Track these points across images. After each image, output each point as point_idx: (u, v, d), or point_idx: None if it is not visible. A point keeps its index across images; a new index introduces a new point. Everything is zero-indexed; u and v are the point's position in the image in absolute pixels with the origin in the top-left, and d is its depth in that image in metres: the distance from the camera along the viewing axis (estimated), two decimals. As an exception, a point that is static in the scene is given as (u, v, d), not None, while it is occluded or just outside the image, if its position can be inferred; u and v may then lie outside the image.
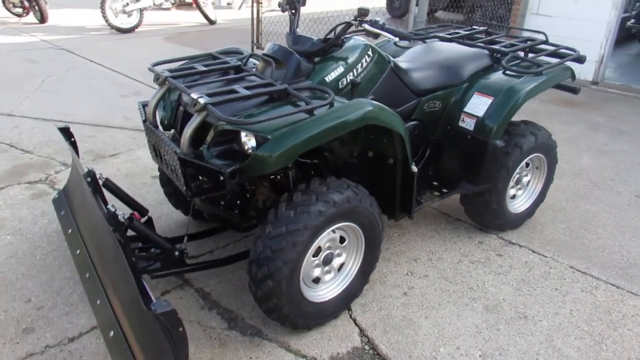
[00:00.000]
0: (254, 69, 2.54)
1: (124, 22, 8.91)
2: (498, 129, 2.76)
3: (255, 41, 7.15)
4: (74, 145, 2.73)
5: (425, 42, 3.35)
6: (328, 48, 2.51)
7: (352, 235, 2.39)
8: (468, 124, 2.86)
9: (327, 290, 2.40)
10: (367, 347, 2.31)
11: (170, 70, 2.46)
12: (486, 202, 2.99)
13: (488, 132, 2.77)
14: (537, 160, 3.15)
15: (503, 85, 2.84)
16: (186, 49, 7.81)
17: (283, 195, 2.23)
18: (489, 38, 3.37)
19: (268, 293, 2.15)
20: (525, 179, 3.19)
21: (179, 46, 8.12)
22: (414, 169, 2.44)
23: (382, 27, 2.42)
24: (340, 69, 2.53)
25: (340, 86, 2.55)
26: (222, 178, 2.02)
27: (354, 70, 2.58)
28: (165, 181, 3.05)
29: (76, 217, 2.63)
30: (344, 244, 2.40)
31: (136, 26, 9.03)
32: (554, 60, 3.04)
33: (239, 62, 2.59)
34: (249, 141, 2.11)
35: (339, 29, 2.60)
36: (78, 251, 2.43)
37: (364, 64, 2.63)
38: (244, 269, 2.68)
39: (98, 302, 2.16)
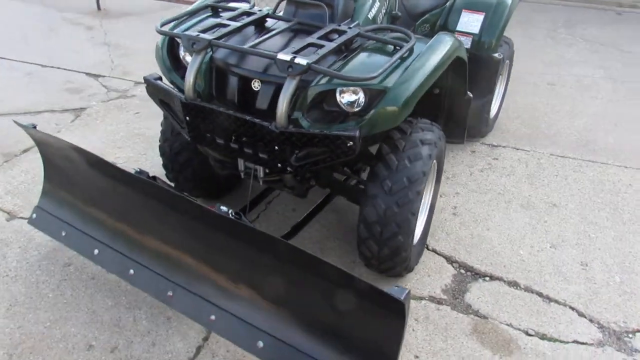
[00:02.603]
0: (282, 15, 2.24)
1: None
2: (496, 43, 2.94)
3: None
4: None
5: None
6: (361, -19, 2.32)
7: (431, 170, 2.40)
8: (464, 42, 2.97)
9: (419, 228, 2.42)
10: (463, 271, 2.44)
11: (202, 31, 2.03)
12: (480, 113, 3.22)
13: (487, 47, 2.93)
14: (505, 66, 3.45)
15: (486, 0, 2.98)
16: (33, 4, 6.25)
17: (382, 146, 2.10)
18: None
19: (396, 249, 2.09)
20: (497, 85, 3.48)
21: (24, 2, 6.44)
22: (470, 94, 2.50)
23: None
24: (377, 3, 2.38)
25: (379, 21, 2.41)
26: (350, 143, 1.82)
27: (386, 2, 2.44)
28: (177, 163, 2.58)
29: (115, 228, 2.12)
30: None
31: None
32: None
33: (267, 11, 2.25)
34: (343, 99, 1.92)
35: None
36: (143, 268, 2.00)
37: (386, -5, 2.50)
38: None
39: (212, 317, 1.86)
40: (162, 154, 2.59)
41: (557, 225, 2.72)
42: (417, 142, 2.08)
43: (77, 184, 2.28)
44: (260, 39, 2.05)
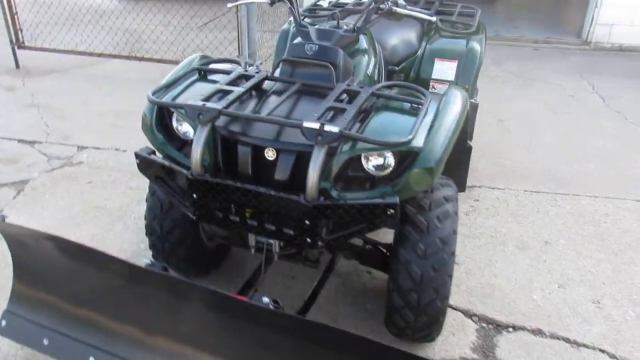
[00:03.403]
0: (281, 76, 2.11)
1: None
2: (472, 88, 2.98)
3: (15, 39, 5.50)
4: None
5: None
6: (357, 37, 2.25)
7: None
8: (441, 90, 2.99)
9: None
10: (485, 324, 2.36)
11: (205, 100, 1.84)
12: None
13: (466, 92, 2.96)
14: (473, 108, 3.52)
15: (458, 47, 3.02)
16: None
17: (405, 207, 2.00)
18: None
19: (434, 316, 1.97)
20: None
21: None
22: (470, 143, 2.48)
23: (407, 8, 2.29)
24: (372, 59, 2.33)
25: (375, 77, 2.35)
26: (391, 212, 1.70)
27: (377, 57, 2.39)
28: (169, 242, 2.30)
29: (116, 330, 1.81)
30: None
31: None
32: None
33: (266, 73, 2.10)
34: (370, 163, 1.81)
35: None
36: None
37: (378, 49, 2.46)
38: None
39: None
40: (151, 234, 2.31)
41: (557, 264, 2.75)
42: (442, 200, 2.00)
43: (59, 280, 1.95)
44: (272, 104, 1.89)
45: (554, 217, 3.16)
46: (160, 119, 2.07)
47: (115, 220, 3.04)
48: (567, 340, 2.27)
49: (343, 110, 1.80)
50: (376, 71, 2.36)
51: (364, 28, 2.23)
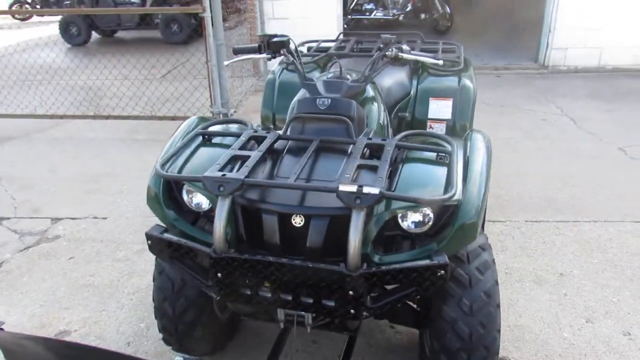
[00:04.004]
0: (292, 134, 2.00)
1: None
2: (470, 125, 2.95)
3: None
4: None
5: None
6: (365, 87, 2.17)
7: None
8: (438, 129, 2.95)
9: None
10: (523, 372, 2.25)
11: (222, 169, 1.70)
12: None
13: (462, 131, 2.92)
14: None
15: (451, 85, 3.00)
16: None
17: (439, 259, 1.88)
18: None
19: (486, 374, 1.84)
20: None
21: None
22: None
23: (413, 52, 2.24)
24: (381, 106, 2.25)
25: (388, 124, 2.28)
26: (441, 273, 1.58)
27: (383, 105, 2.32)
28: (184, 323, 2.07)
29: None
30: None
31: None
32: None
33: (277, 133, 1.97)
34: (408, 221, 1.71)
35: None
36: None
37: (381, 96, 2.39)
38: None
39: None
40: (162, 316, 2.09)
41: (578, 297, 2.69)
42: (479, 250, 1.90)
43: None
44: (292, 166, 1.76)
45: (561, 247, 3.13)
46: (168, 192, 1.90)
47: (107, 299, 2.78)
48: (610, 379, 2.19)
49: (373, 167, 1.70)
50: (385, 118, 2.29)
51: (372, 77, 2.16)
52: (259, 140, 1.95)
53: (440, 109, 2.95)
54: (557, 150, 4.55)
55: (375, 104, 2.21)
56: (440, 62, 2.25)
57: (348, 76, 2.19)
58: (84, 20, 10.41)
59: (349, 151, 1.87)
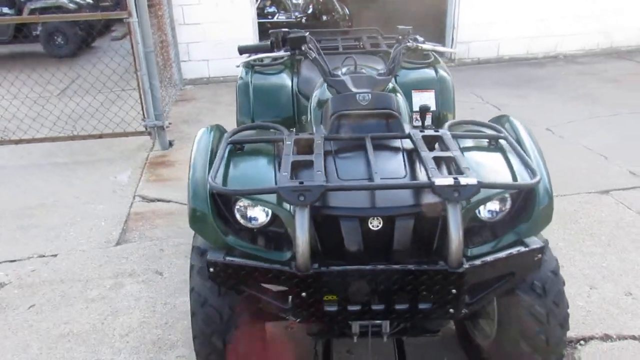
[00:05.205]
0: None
1: None
2: (454, 114, 3.00)
3: None
4: None
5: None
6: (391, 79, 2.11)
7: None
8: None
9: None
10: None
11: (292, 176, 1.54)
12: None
13: (448, 119, 2.97)
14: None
15: (430, 77, 3.03)
16: None
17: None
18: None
19: (561, 353, 1.87)
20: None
21: None
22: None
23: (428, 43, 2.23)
24: (404, 97, 2.19)
25: (410, 115, 2.23)
26: (538, 256, 1.58)
27: (401, 96, 2.27)
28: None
29: None
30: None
31: None
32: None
33: (322, 133, 1.83)
34: (486, 209, 1.70)
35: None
36: None
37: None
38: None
39: None
40: (209, 354, 1.81)
41: (573, 267, 2.84)
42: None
43: None
44: (362, 167, 1.65)
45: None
46: (216, 208, 1.67)
47: (97, 346, 2.39)
48: (633, 338, 2.34)
49: (450, 159, 1.63)
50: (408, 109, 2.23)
51: (396, 70, 2.10)
52: (301, 143, 1.80)
53: (423, 101, 2.95)
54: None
55: (400, 95, 2.15)
56: (456, 50, 2.25)
57: (371, 71, 2.11)
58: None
59: (401, 145, 1.79)
